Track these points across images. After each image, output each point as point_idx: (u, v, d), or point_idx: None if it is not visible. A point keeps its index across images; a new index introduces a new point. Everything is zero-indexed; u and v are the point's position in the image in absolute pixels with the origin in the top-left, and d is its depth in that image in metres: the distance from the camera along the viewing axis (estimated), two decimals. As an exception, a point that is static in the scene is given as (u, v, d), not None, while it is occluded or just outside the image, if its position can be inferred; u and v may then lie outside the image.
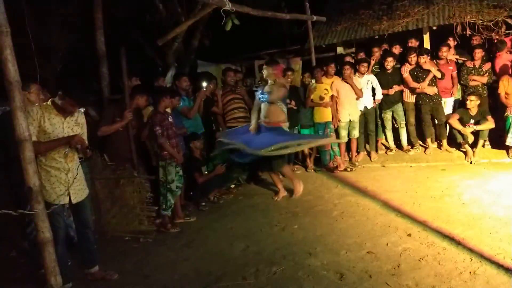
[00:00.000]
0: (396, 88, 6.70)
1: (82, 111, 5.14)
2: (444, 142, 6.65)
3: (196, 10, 6.77)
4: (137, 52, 8.50)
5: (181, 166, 4.91)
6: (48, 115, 3.18)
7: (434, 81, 6.52)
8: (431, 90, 6.48)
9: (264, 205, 5.32)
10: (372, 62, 7.01)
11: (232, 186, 6.16)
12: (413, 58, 6.57)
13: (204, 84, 5.81)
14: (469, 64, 6.57)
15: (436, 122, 6.68)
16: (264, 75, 5.37)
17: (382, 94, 6.76)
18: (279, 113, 5.21)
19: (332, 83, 6.48)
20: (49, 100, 3.29)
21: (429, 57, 6.55)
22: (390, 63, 6.71)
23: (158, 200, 4.77)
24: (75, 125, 3.34)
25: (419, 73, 6.53)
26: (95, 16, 5.08)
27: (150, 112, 4.95)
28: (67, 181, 3.27)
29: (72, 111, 3.31)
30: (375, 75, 6.82)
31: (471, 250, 3.37)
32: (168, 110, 4.92)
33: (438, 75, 6.44)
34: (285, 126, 5.35)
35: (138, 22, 8.56)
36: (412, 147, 6.89)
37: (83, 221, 3.50)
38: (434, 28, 7.35)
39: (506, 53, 6.47)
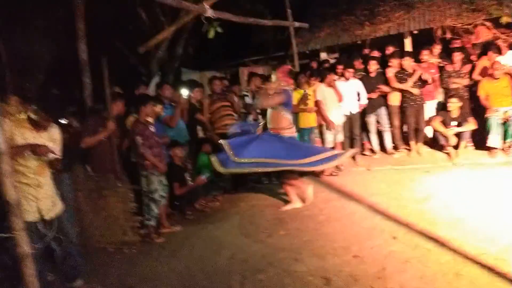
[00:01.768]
0: (385, 88, 6.74)
1: (64, 122, 5.13)
2: (419, 144, 6.75)
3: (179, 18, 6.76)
4: (120, 60, 8.44)
5: (165, 175, 4.86)
6: (20, 129, 3.11)
7: (417, 84, 6.60)
8: (415, 91, 6.55)
9: (251, 212, 5.29)
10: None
11: (218, 193, 6.10)
12: (395, 61, 6.66)
13: (185, 92, 5.77)
14: (449, 67, 6.68)
15: (416, 125, 6.75)
16: (273, 80, 5.28)
17: (367, 98, 6.82)
18: (280, 119, 5.00)
19: (315, 89, 6.51)
20: (25, 113, 3.21)
21: (412, 60, 6.64)
22: (373, 66, 6.79)
23: (142, 210, 4.71)
24: (49, 140, 3.26)
25: (403, 75, 6.61)
26: (77, 26, 5.02)
27: (131, 121, 4.90)
28: (36, 197, 3.18)
29: (46, 126, 3.24)
30: (359, 79, 6.89)
31: (455, 251, 3.39)
32: (150, 119, 4.87)
33: (427, 77, 6.50)
34: (291, 132, 5.07)
35: (121, 31, 8.52)
36: (396, 150, 6.95)
37: (64, 234, 3.42)
38: (415, 32, 7.46)
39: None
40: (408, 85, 6.53)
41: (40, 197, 3.20)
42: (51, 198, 3.33)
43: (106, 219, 4.61)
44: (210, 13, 4.72)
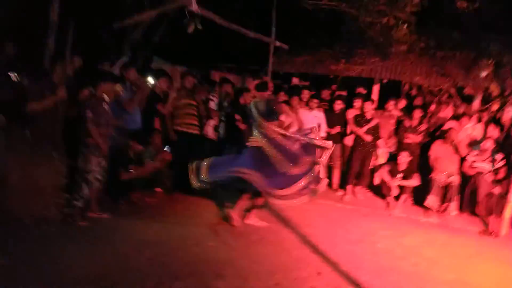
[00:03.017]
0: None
1: (13, 77, 4.78)
2: (361, 188, 6.94)
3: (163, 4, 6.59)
4: (92, 32, 8.08)
5: (106, 158, 4.62)
6: None
7: (371, 131, 6.78)
8: (368, 138, 6.72)
9: (185, 216, 5.15)
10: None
11: (157, 190, 5.89)
12: (358, 103, 6.85)
13: (151, 80, 5.59)
14: (408, 122, 6.94)
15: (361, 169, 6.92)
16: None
17: (326, 132, 6.94)
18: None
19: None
20: None
21: (374, 107, 6.85)
22: (338, 105, 6.96)
23: (73, 188, 4.44)
24: None
25: (361, 119, 6.80)
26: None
27: (86, 94, 4.66)
28: None
29: None
30: (323, 112, 7.00)
31: (373, 301, 3.42)
32: (107, 97, 4.65)
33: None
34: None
35: (100, 3, 8.17)
36: (342, 189, 7.08)
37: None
38: (384, 81, 7.72)
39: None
40: (362, 131, 6.71)
41: None
42: None
43: (31, 188, 4.31)
44: (195, 7, 4.61)
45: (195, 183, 4.66)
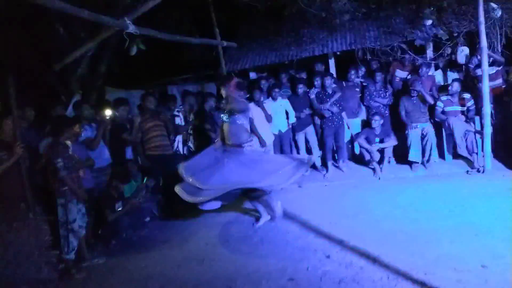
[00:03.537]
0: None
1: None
2: (343, 161, 6.98)
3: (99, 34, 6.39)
4: (35, 79, 7.78)
5: (84, 203, 4.44)
6: None
7: (336, 104, 6.80)
8: (335, 109, 6.73)
9: (181, 237, 5.02)
10: None
11: (146, 220, 5.74)
12: (318, 81, 6.89)
13: (108, 112, 5.41)
14: (371, 87, 7.02)
15: (337, 143, 6.96)
16: (224, 96, 4.90)
17: (295, 117, 6.93)
18: (241, 133, 4.65)
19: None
20: None
21: (333, 80, 6.90)
22: (300, 89, 6.96)
23: (60, 243, 4.25)
24: None
25: (324, 96, 6.82)
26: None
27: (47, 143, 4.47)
28: None
29: None
30: (288, 98, 6.99)
31: (387, 267, 3.42)
32: (68, 142, 4.47)
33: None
34: (250, 145, 4.75)
35: (36, 47, 7.86)
36: (325, 167, 7.09)
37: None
38: (338, 53, 7.77)
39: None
40: (326, 106, 6.73)
41: None
42: None
43: (18, 255, 4.09)
44: (132, 29, 4.44)
45: (190, 199, 4.38)
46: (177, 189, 4.35)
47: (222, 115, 4.82)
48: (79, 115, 5.33)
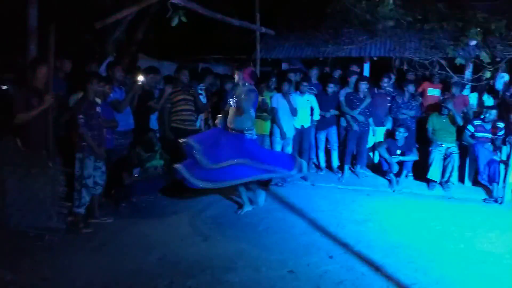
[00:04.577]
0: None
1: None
2: (358, 167, 6.91)
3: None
4: (74, 34, 7.91)
5: (104, 162, 4.53)
6: None
7: (365, 111, 6.72)
8: (361, 118, 6.65)
9: (190, 212, 5.07)
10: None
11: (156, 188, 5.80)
12: (352, 80, 6.79)
13: (140, 78, 5.46)
14: (400, 98, 6.89)
15: (358, 148, 6.90)
16: (235, 80, 5.07)
17: (320, 115, 6.88)
18: (244, 119, 4.80)
19: (271, 97, 6.46)
20: None
21: (368, 85, 6.78)
22: (330, 88, 6.87)
23: (73, 195, 4.35)
24: None
25: (354, 99, 6.72)
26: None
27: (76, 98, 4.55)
28: None
29: None
30: (315, 95, 6.92)
31: (389, 278, 3.41)
32: (98, 99, 4.54)
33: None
34: (251, 133, 4.88)
35: (79, 2, 7.98)
36: (341, 170, 7.04)
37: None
38: (375, 59, 7.66)
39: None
40: (355, 113, 6.65)
41: None
42: None
43: (31, 200, 4.22)
44: (177, -1, 4.47)
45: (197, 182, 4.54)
46: (177, 166, 4.56)
47: (230, 99, 4.95)
48: (111, 76, 5.39)
